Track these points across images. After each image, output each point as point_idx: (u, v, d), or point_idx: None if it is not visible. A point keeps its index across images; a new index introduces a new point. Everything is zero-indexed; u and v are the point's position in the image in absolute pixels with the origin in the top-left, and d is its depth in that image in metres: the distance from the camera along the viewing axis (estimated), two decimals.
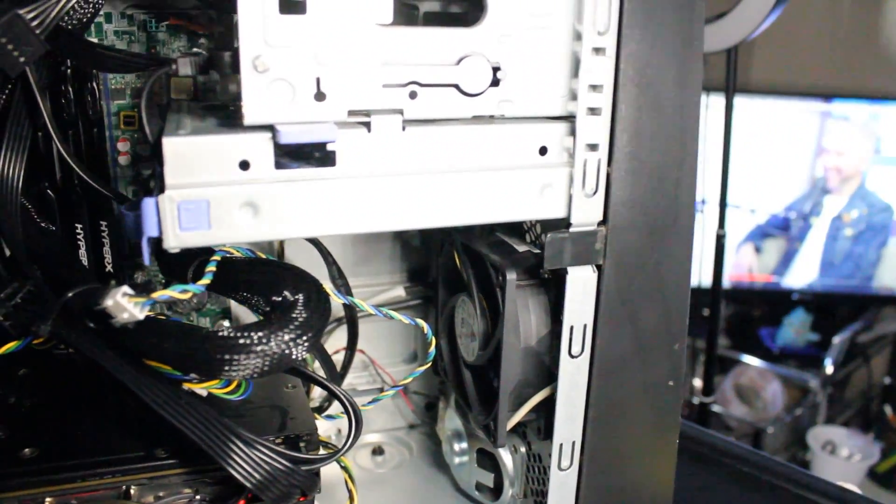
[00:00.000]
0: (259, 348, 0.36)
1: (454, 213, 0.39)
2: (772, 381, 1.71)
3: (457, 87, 0.38)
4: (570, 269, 0.41)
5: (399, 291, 0.62)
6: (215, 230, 0.35)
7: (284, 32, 0.34)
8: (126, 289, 0.35)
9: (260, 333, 0.37)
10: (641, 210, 0.41)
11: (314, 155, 0.36)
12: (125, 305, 0.35)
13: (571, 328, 0.43)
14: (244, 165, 0.35)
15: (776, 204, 1.65)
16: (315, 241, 0.52)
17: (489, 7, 0.37)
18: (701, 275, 1.47)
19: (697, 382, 1.59)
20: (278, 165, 0.36)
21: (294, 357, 0.37)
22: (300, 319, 0.37)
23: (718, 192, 1.15)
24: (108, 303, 0.35)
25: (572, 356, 0.43)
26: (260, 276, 0.40)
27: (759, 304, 1.84)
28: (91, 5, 0.39)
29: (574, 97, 0.39)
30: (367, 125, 0.37)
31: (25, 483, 0.41)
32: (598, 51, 0.38)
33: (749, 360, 1.74)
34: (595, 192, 0.40)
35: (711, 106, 1.35)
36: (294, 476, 0.40)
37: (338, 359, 0.59)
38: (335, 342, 0.62)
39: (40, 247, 0.44)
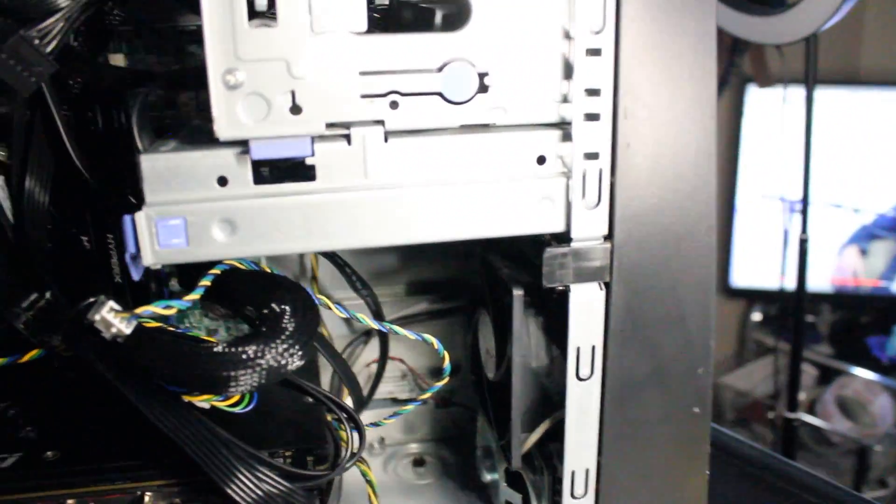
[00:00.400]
0: (256, 362, 0.36)
1: (442, 229, 0.37)
2: (880, 395, 1.56)
3: (440, 95, 0.36)
4: (573, 287, 0.38)
5: (423, 305, 0.61)
6: (193, 247, 0.35)
7: (255, 45, 0.33)
8: (112, 304, 0.36)
9: (254, 347, 0.37)
10: (651, 223, 0.38)
11: (293, 169, 0.35)
12: (111, 321, 0.35)
13: (578, 349, 0.40)
14: (222, 181, 0.35)
15: (884, 203, 1.50)
16: (330, 254, 0.52)
17: (473, 9, 0.35)
18: (803, 278, 1.37)
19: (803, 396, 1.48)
20: (257, 181, 0.35)
21: (287, 368, 0.37)
22: (289, 330, 0.37)
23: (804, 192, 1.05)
24: (95, 318, 0.36)
25: (580, 379, 0.40)
26: (251, 288, 0.40)
27: (866, 311, 1.68)
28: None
29: (571, 102, 0.36)
30: (347, 138, 0.36)
31: (48, 485, 0.43)
32: (593, 52, 0.35)
33: (855, 370, 1.60)
34: (597, 204, 0.37)
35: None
36: (292, 496, 0.40)
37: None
38: (371, 353, 0.62)
39: (65, 257, 0.46)
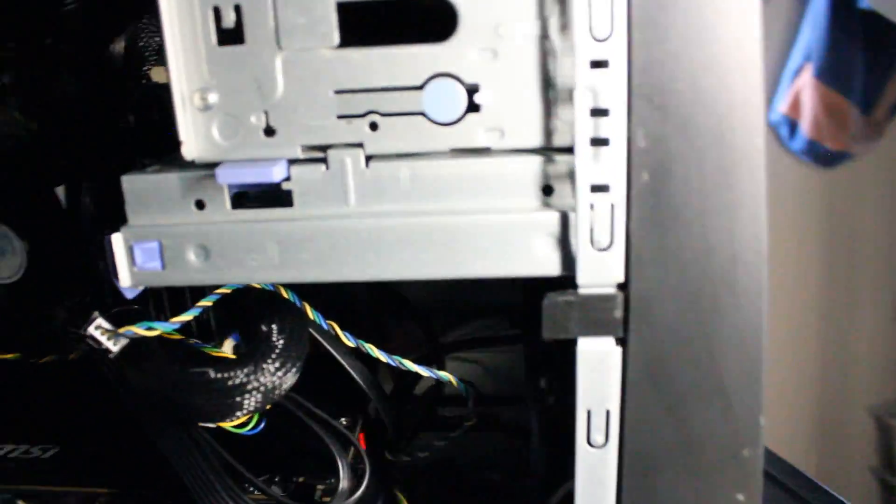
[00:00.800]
0: (250, 385, 0.35)
1: (427, 265, 0.33)
2: None
3: (423, 114, 0.31)
4: (581, 341, 0.33)
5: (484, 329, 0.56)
6: (169, 271, 0.34)
7: (222, 64, 0.31)
8: (100, 321, 0.36)
9: (246, 369, 0.36)
10: (677, 269, 0.31)
11: (270, 195, 0.33)
12: (98, 338, 0.36)
13: (589, 412, 0.34)
14: (199, 205, 0.34)
15: None
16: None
17: (461, 16, 0.30)
18: None
19: None
20: (234, 205, 0.34)
21: (281, 387, 0.36)
22: (277, 350, 0.36)
23: None
24: (86, 332, 0.36)
25: (592, 445, 0.34)
26: (248, 306, 0.39)
27: None
28: None
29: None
30: (325, 161, 0.33)
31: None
32: (597, 64, 0.29)
33: None
34: (609, 246, 0.31)
35: None
36: None
37: None
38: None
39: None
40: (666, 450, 0.34)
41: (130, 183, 0.34)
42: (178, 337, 0.41)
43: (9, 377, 0.51)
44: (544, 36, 0.30)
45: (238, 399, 0.37)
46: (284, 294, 0.40)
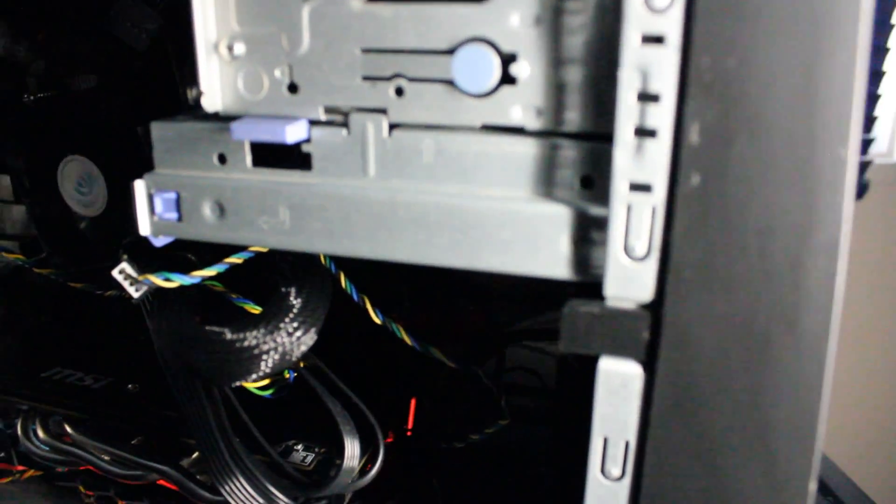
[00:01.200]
0: (266, 345, 0.35)
1: (441, 251, 0.30)
2: None
3: (452, 83, 0.28)
4: (603, 360, 0.28)
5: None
6: (185, 224, 0.33)
7: (250, 14, 0.29)
8: (124, 265, 0.36)
9: (262, 330, 0.35)
10: (724, 294, 0.26)
11: (290, 156, 0.31)
12: (121, 282, 0.36)
13: (606, 441, 0.30)
14: (222, 159, 0.32)
15: None
16: None
17: None
18: None
19: None
20: (257, 163, 0.32)
21: (298, 349, 0.36)
22: (294, 311, 0.35)
23: None
24: (113, 273, 0.36)
25: (606, 477, 0.30)
26: (279, 268, 0.38)
27: None
28: None
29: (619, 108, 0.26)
30: (347, 126, 0.30)
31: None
32: (651, 40, 0.24)
33: None
34: (646, 256, 0.27)
35: None
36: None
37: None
38: None
39: None
40: (688, 499, 0.29)
41: (159, 130, 0.33)
42: (219, 288, 0.41)
43: (80, 306, 0.54)
44: (598, 5, 0.26)
45: (254, 360, 0.36)
46: (323, 260, 0.39)
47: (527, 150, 0.28)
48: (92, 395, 0.47)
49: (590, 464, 0.30)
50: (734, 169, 0.25)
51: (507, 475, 0.55)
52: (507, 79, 0.28)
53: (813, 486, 0.28)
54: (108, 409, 0.46)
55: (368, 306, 0.38)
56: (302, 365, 0.41)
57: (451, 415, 0.55)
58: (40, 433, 0.45)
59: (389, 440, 0.46)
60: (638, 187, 0.26)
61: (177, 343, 0.36)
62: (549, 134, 0.28)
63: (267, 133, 0.30)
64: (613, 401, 0.29)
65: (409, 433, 0.49)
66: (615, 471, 0.30)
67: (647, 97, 0.25)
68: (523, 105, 0.28)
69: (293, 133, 0.30)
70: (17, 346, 0.52)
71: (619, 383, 0.28)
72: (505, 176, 0.29)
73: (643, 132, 0.25)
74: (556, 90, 0.27)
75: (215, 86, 0.31)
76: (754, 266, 0.25)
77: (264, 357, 0.35)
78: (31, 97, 0.48)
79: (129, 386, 0.48)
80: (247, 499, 0.37)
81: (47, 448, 0.45)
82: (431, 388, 0.52)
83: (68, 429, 0.45)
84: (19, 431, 0.46)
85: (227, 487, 0.37)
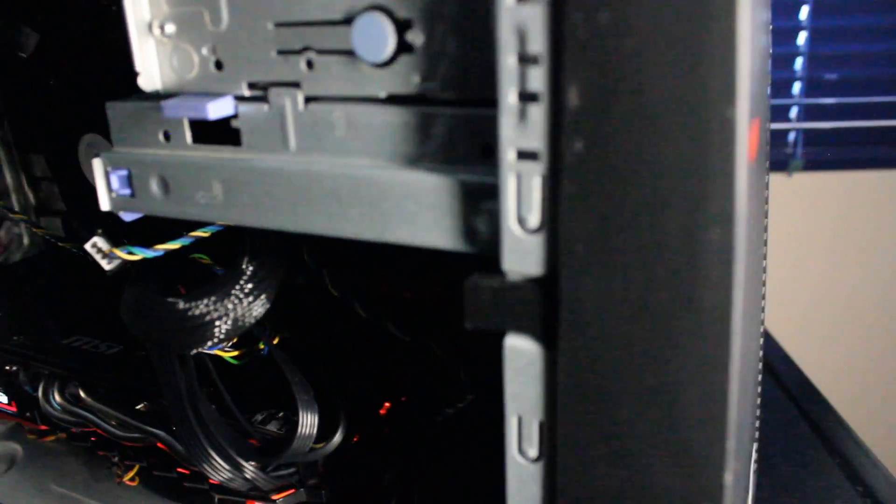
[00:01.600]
0: (215, 312, 0.36)
1: (352, 223, 0.29)
2: None
3: (352, 53, 0.28)
4: (508, 336, 0.27)
5: None
6: (138, 200, 0.35)
7: None
8: (97, 238, 0.38)
9: (214, 297, 0.37)
10: (617, 269, 0.24)
11: (223, 132, 0.32)
12: (93, 255, 0.38)
13: (520, 420, 0.29)
14: (167, 136, 0.34)
15: None
16: None
17: None
18: None
19: None
20: (197, 139, 0.33)
21: (251, 314, 0.37)
22: (245, 276, 0.36)
23: None
24: (86, 246, 0.38)
25: (524, 457, 0.29)
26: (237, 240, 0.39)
27: None
28: None
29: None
30: (266, 100, 0.31)
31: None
32: None
33: None
34: (539, 228, 0.25)
35: None
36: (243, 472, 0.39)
37: None
38: None
39: None
40: (605, 487, 0.27)
41: (113, 109, 0.35)
42: (206, 261, 0.42)
43: (102, 278, 0.58)
44: None
45: (206, 327, 0.37)
46: None
47: (430, 120, 0.28)
48: (104, 360, 0.50)
49: (507, 443, 0.29)
50: (618, 134, 0.23)
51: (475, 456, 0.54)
52: (405, 47, 0.27)
53: (729, 478, 0.25)
54: (116, 375, 0.49)
55: (328, 279, 0.39)
56: (276, 342, 0.42)
57: (415, 394, 0.54)
58: (56, 396, 0.49)
59: (383, 411, 0.46)
60: (525, 155, 0.25)
61: (134, 313, 0.38)
62: (450, 102, 0.27)
63: (192, 110, 0.30)
64: (521, 379, 0.28)
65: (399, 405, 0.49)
66: (531, 451, 0.29)
67: (527, 59, 0.24)
68: (422, 73, 0.27)
69: (215, 109, 0.30)
70: (50, 316, 0.56)
71: (524, 362, 0.27)
72: (410, 147, 0.28)
73: (526, 96, 0.24)
74: (455, 57, 0.26)
75: (153, 65, 0.32)
76: (647, 240, 0.24)
77: (217, 324, 0.36)
78: (54, 81, 0.51)
79: (139, 354, 0.51)
80: (212, 465, 0.39)
81: (61, 410, 0.48)
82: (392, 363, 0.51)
83: (82, 393, 0.49)
84: (40, 394, 0.49)
85: (193, 451, 0.39)
